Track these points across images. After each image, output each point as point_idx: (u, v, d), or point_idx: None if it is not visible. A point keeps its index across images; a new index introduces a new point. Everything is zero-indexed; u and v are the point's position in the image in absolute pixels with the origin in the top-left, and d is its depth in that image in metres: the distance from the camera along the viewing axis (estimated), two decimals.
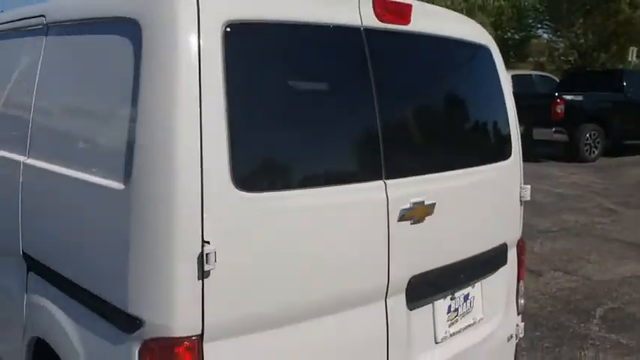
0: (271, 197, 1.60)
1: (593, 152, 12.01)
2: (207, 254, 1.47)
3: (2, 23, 2.61)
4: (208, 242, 1.48)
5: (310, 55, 1.78)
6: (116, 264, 1.57)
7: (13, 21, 2.50)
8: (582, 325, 4.09)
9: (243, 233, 1.54)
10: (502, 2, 24.97)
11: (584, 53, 25.35)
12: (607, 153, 12.47)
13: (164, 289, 1.48)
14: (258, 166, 1.62)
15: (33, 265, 2.11)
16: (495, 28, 22.66)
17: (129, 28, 1.60)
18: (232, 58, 1.52)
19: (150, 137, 1.50)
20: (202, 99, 1.47)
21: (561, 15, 22.98)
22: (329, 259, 1.71)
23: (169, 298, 1.48)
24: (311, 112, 1.76)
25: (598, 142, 12.08)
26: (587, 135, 11.84)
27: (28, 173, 2.10)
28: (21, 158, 2.14)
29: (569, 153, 11.74)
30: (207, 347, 1.52)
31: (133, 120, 1.54)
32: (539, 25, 26.49)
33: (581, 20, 23.45)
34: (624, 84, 12.60)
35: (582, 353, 3.68)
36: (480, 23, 2.47)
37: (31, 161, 2.09)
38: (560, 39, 25.25)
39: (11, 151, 2.22)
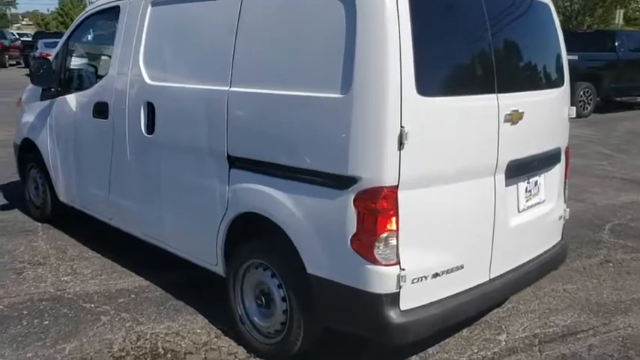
0: (438, 100, 2.53)
1: (587, 108, 13.03)
2: (403, 134, 2.38)
3: None
4: (403, 127, 2.39)
5: (459, 5, 2.74)
6: (337, 145, 2.48)
7: None
8: (595, 234, 5.10)
9: (422, 121, 2.45)
10: None
11: (569, 17, 26.25)
12: (599, 109, 13.54)
13: (377, 155, 2.40)
14: (430, 81, 2.53)
15: (236, 162, 3.01)
16: None
17: None
18: (415, 7, 2.41)
19: (367, 61, 2.39)
20: (400, 37, 2.37)
21: None
22: (468, 140, 2.67)
23: (380, 161, 2.40)
24: (460, 49, 2.74)
25: (591, 99, 13.09)
26: (581, 92, 12.82)
27: (233, 97, 2.98)
28: (225, 88, 3.01)
29: None
30: (400, 193, 2.45)
31: (349, 52, 2.43)
32: None
33: None
34: (616, 44, 13.55)
35: (598, 252, 4.69)
36: None
37: (235, 89, 2.97)
38: None
39: (215, 84, 3.09)
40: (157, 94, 3.52)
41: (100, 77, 4.15)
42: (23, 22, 74.35)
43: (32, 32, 35.53)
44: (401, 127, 2.39)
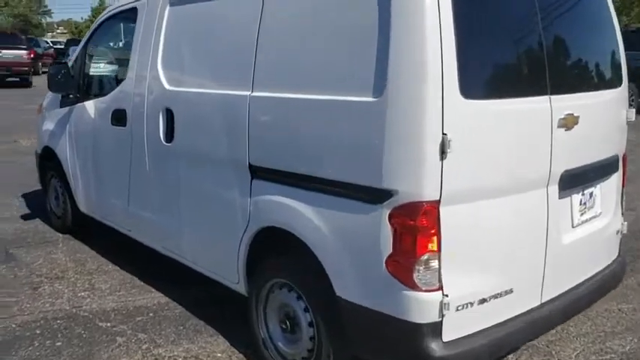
0: (484, 103, 2.23)
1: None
2: (445, 142, 2.09)
3: None
4: (446, 134, 2.10)
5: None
6: (369, 155, 2.21)
7: None
8: None
9: (467, 127, 2.16)
10: None
11: None
12: None
13: (416, 166, 2.12)
14: (476, 82, 2.24)
15: (258, 173, 2.76)
16: None
17: None
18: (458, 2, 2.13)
19: (403, 59, 2.11)
20: (442, 32, 2.08)
21: None
22: (518, 148, 2.36)
23: (420, 173, 2.12)
24: (508, 45, 2.42)
25: (632, 100, 12.50)
26: None
27: (255, 103, 2.73)
28: (246, 93, 2.77)
29: None
30: (442, 209, 2.16)
31: (383, 49, 2.15)
32: None
33: None
34: None
35: None
36: None
37: (257, 94, 2.72)
38: None
39: (236, 89, 2.85)
40: (175, 100, 3.30)
41: (119, 83, 3.96)
42: (58, 31, 75.99)
43: (65, 40, 36.13)
44: (443, 133, 2.10)
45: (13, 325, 3.32)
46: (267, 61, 2.71)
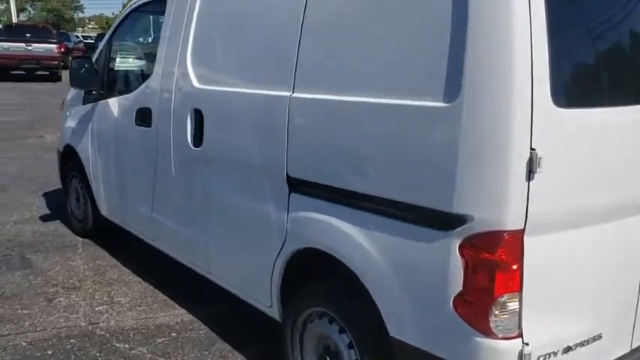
0: (581, 113, 1.84)
1: None
2: (534, 159, 1.71)
3: None
4: (534, 149, 1.72)
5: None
6: (438, 172, 1.83)
7: None
8: None
9: (559, 141, 1.77)
10: None
11: None
12: None
13: (497, 188, 1.73)
14: (571, 87, 1.86)
15: (298, 186, 2.41)
16: None
17: None
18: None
19: (483, 58, 1.73)
20: (532, 24, 1.70)
21: None
22: (619, 167, 1.96)
23: (501, 196, 1.73)
24: (609, 45, 2.02)
25: None
26: None
27: (296, 105, 2.38)
28: (286, 93, 2.41)
29: None
30: (527, 240, 1.78)
31: (458, 42, 1.78)
32: None
33: None
34: None
35: None
36: None
37: (298, 95, 2.37)
38: None
39: (274, 89, 2.50)
40: (205, 100, 2.96)
41: (144, 79, 3.65)
42: (89, 26, 76.73)
43: (95, 35, 36.36)
44: (531, 149, 1.72)
45: (24, 343, 3.02)
46: (311, 57, 2.35)
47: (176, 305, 3.53)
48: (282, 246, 2.52)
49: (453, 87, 1.80)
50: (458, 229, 1.82)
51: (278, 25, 2.55)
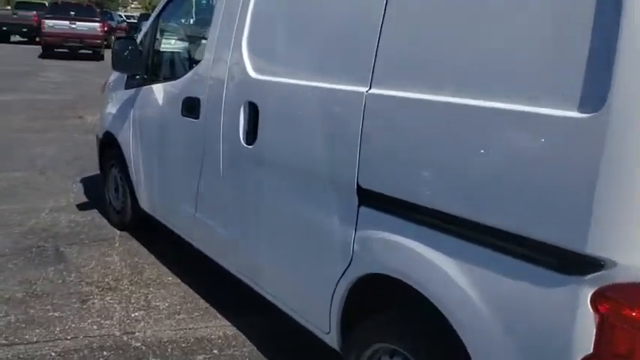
0: None
1: None
2: None
3: None
4: None
5: None
6: (566, 200, 1.44)
7: None
8: None
9: None
10: None
11: None
12: None
13: None
14: None
15: (370, 199, 2.05)
16: None
17: None
18: None
19: None
20: None
21: None
22: None
23: None
24: None
25: None
26: None
27: (374, 104, 2.00)
28: (362, 89, 2.04)
29: None
30: None
31: (607, 38, 1.37)
32: None
33: None
34: None
35: None
36: None
37: (378, 91, 1.99)
38: None
39: (346, 83, 2.13)
40: (262, 93, 2.61)
41: (193, 65, 3.32)
42: (132, 5, 77.36)
43: (138, 14, 36.49)
44: None
45: (53, 354, 2.75)
46: (396, 47, 1.96)
47: (218, 315, 3.21)
48: (347, 268, 2.16)
49: (595, 95, 1.39)
50: (591, 276, 1.42)
51: (355, 6, 2.17)
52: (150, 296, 3.40)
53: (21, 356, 2.71)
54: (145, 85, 3.79)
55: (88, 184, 5.51)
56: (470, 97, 1.69)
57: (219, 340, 2.96)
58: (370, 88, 2.02)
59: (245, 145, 2.67)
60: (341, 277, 2.20)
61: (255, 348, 2.89)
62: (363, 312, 2.20)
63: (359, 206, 2.10)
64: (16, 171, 5.80)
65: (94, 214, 4.71)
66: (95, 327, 3.02)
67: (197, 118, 3.07)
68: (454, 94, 1.74)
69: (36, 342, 2.83)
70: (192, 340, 2.95)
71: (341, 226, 2.18)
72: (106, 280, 3.58)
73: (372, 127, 2.01)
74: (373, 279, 2.09)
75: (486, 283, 1.66)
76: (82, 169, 5.91)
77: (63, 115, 9.03)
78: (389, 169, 1.97)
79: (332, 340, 2.36)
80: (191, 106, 3.14)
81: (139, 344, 2.88)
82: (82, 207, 4.88)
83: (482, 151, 1.65)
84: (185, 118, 3.20)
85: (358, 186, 2.07)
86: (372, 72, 2.03)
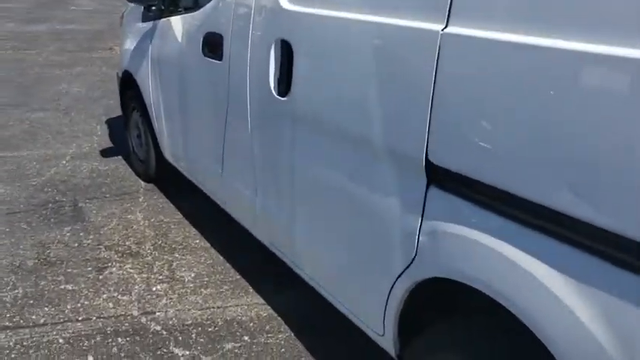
0: None
1: None
2: None
3: None
4: None
5: None
6: None
7: None
8: None
9: None
10: None
11: None
12: None
13: None
14: None
15: (444, 180, 1.50)
16: None
17: None
18: None
19: None
20: None
21: None
22: None
23: None
24: None
25: None
26: None
27: (453, 48, 1.42)
28: (436, 27, 1.45)
29: None
30: None
31: None
32: None
33: None
34: None
35: None
36: None
37: (458, 30, 1.40)
38: None
39: (412, 17, 1.54)
40: (298, 28, 2.04)
41: None
42: None
43: None
44: None
45: (61, 340, 2.39)
46: None
47: (250, 289, 2.79)
48: (408, 266, 1.65)
49: None
50: None
51: None
52: (174, 264, 3.00)
53: (25, 343, 2.36)
54: (162, 17, 3.23)
55: (114, 126, 5.10)
56: (604, 43, 1.09)
57: (252, 324, 2.54)
58: (447, 26, 1.43)
59: (277, 96, 2.13)
60: (399, 276, 1.70)
61: (293, 334, 2.47)
62: (427, 320, 1.72)
63: (427, 188, 1.56)
64: (39, 111, 5.42)
65: (117, 163, 4.31)
66: (111, 305, 2.64)
67: (220, 59, 2.52)
68: (554, 35, 1.15)
69: (43, 324, 2.48)
70: (220, 322, 2.54)
71: (402, 211, 1.66)
72: (127, 243, 3.19)
73: (449, 80, 1.43)
74: (441, 283, 1.58)
75: (599, 303, 1.13)
76: (109, 109, 5.50)
77: (92, 47, 8.58)
78: (471, 139, 1.40)
79: (387, 343, 1.89)
80: (213, 45, 2.58)
81: (159, 328, 2.49)
82: (105, 153, 4.48)
83: (600, 124, 1.08)
84: (206, 58, 2.66)
85: (427, 161, 1.52)
86: (450, 4, 1.43)
